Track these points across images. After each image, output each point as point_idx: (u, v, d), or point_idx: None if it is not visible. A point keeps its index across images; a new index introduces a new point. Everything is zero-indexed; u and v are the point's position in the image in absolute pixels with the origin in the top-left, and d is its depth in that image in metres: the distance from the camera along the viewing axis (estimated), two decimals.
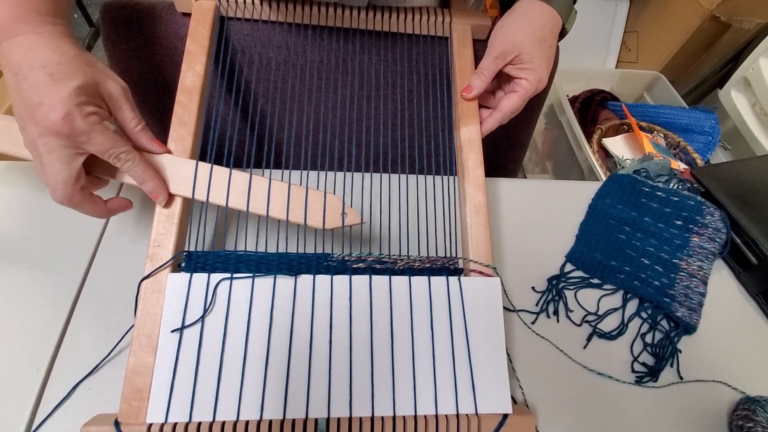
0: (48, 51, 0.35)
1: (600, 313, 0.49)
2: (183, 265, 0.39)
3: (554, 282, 0.51)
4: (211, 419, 0.34)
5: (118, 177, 0.39)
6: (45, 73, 0.33)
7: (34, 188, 0.51)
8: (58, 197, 0.35)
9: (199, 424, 0.34)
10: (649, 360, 0.47)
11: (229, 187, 0.41)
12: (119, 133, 0.38)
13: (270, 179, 0.41)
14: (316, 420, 0.35)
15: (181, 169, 0.41)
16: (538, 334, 0.47)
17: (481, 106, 0.51)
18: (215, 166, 0.41)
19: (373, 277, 0.40)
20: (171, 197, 0.40)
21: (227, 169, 0.41)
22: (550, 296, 0.50)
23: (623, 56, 1.54)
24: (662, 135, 1.25)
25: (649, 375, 0.45)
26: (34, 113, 0.33)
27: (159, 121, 0.65)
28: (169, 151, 0.41)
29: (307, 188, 0.41)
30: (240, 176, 0.41)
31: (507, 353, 0.40)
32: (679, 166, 1.11)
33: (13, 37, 0.35)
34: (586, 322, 0.49)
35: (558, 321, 0.49)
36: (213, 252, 0.39)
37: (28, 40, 0.35)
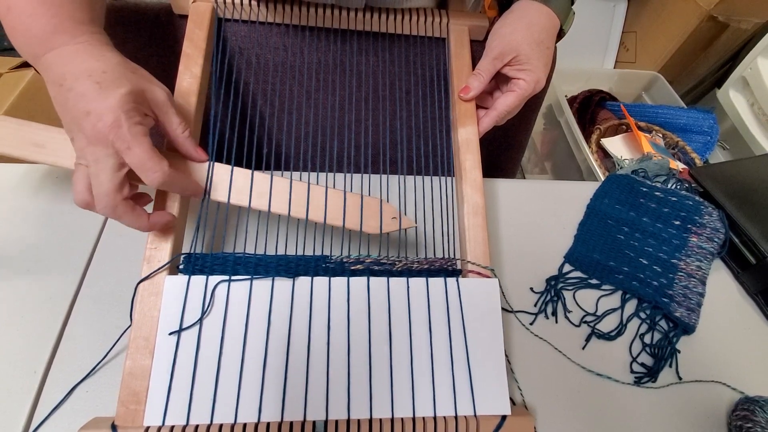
0: (91, 60, 0.34)
1: (599, 313, 0.49)
2: (181, 267, 0.39)
3: (553, 282, 0.51)
4: (209, 422, 0.34)
5: None
6: (91, 82, 0.33)
7: (31, 190, 0.51)
8: (100, 208, 0.34)
9: (197, 427, 0.34)
10: (647, 360, 0.47)
11: (291, 196, 0.41)
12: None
13: (326, 187, 0.42)
14: (314, 422, 0.35)
15: (237, 178, 0.41)
16: (536, 335, 0.47)
17: (479, 107, 0.51)
18: (275, 177, 0.41)
19: (371, 278, 0.40)
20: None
21: (287, 179, 0.41)
22: (548, 297, 0.50)
23: (621, 56, 1.54)
24: (661, 135, 1.25)
25: (648, 375, 0.45)
26: (82, 123, 0.32)
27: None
28: (206, 160, 0.41)
29: (362, 195, 0.42)
30: (299, 185, 0.42)
31: (505, 354, 0.40)
32: (678, 165, 1.11)
33: (53, 48, 0.34)
34: (585, 322, 0.49)
35: (556, 322, 0.48)
36: (211, 254, 0.39)
37: (69, 51, 0.34)
